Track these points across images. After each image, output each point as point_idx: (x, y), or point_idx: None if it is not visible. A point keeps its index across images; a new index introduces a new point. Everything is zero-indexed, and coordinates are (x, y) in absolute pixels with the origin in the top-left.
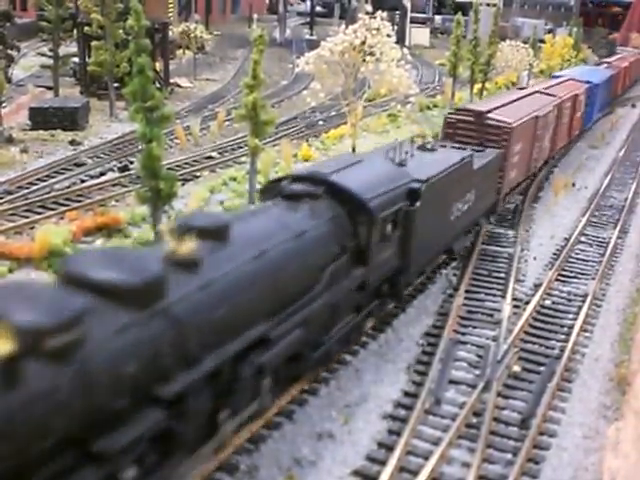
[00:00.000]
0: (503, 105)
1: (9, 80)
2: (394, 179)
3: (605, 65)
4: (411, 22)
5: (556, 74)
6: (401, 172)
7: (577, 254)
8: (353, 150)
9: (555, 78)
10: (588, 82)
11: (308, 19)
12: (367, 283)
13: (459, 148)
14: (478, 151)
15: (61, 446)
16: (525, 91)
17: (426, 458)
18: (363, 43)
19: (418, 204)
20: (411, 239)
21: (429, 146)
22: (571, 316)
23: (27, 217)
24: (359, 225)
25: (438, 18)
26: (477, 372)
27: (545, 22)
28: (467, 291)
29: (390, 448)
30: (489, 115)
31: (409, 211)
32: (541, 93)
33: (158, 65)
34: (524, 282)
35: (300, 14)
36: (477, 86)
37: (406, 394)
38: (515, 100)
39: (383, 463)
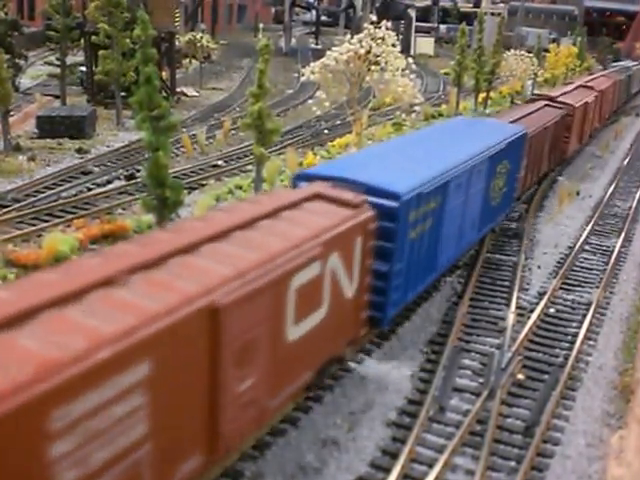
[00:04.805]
0: None
1: (17, 89)
2: None
3: (533, 108)
4: (416, 31)
5: (308, 172)
6: None
7: (581, 263)
8: None
9: (300, 186)
10: (392, 197)
11: (313, 28)
12: None
13: None
14: None
15: None
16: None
17: (430, 466)
18: (368, 52)
19: None
20: None
21: None
22: (575, 324)
23: (34, 225)
24: None
25: (443, 27)
26: (481, 380)
27: (549, 31)
28: (471, 299)
29: (394, 455)
30: None
31: None
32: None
33: (164, 74)
34: (528, 290)
35: (305, 23)
36: (482, 95)
37: (410, 402)
38: None
39: (387, 470)
